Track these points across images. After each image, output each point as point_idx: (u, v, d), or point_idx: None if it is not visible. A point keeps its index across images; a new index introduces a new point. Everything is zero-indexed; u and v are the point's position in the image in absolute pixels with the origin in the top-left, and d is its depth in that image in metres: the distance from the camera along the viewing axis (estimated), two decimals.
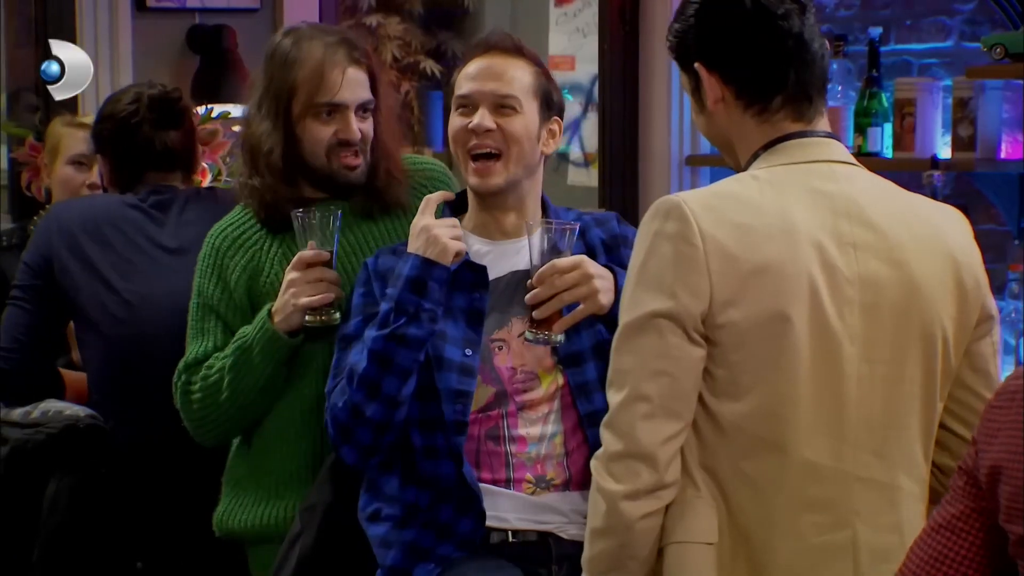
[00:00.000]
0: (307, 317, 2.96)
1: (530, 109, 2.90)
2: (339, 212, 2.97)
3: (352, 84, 3.05)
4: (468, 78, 2.91)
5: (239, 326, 3.05)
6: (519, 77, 2.90)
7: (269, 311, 2.99)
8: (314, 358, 3.04)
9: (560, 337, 2.79)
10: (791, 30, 2.35)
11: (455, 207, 2.99)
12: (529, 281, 2.79)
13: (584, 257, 2.79)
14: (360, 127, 3.06)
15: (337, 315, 2.97)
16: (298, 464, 3.06)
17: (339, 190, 3.09)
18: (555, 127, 2.95)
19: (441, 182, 3.19)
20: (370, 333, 2.82)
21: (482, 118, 2.88)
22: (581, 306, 2.77)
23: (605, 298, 2.78)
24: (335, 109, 3.04)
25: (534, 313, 2.77)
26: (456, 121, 2.91)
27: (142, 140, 3.52)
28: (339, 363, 2.90)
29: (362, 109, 3.07)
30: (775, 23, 2.35)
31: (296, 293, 2.95)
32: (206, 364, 3.05)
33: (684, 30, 2.41)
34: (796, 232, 2.28)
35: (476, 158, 2.89)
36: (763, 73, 2.36)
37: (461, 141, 2.90)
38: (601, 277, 2.78)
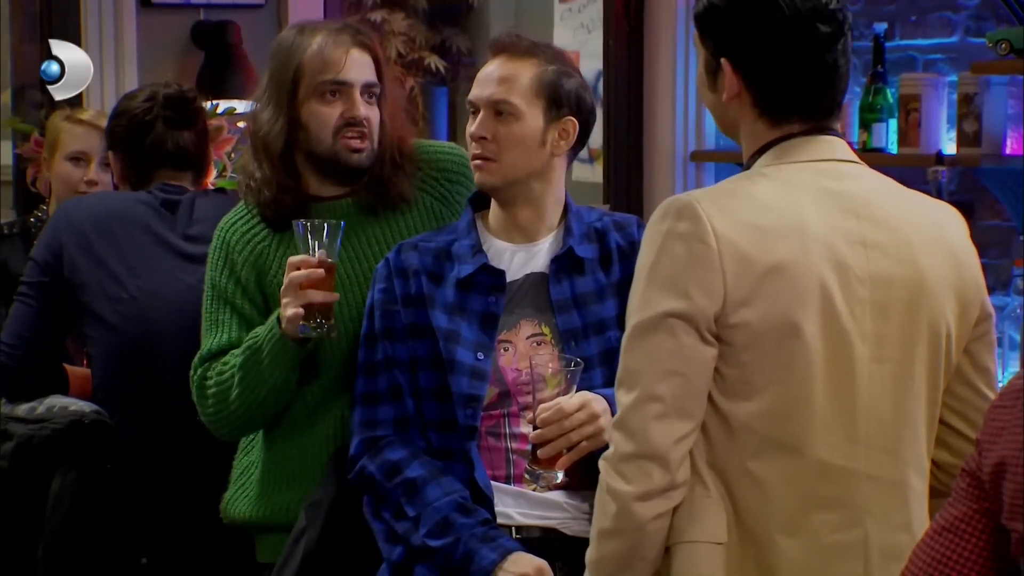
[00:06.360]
0: (301, 329, 2.87)
1: (532, 113, 2.88)
2: (342, 223, 2.90)
3: (357, 64, 3.04)
4: (475, 82, 2.93)
5: (253, 316, 3.03)
6: (520, 80, 2.88)
7: (279, 315, 2.94)
8: (326, 353, 3.03)
9: (561, 475, 2.73)
10: (826, 61, 2.31)
11: (477, 203, 3.00)
12: (530, 417, 2.73)
13: (589, 395, 2.73)
14: (366, 111, 3.03)
15: (325, 328, 2.87)
16: (307, 458, 3.05)
17: (344, 175, 3.05)
18: (568, 127, 2.91)
19: (456, 173, 3.15)
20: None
21: (478, 125, 2.89)
22: (584, 443, 2.70)
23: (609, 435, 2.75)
24: (340, 89, 3.02)
25: (539, 452, 2.71)
26: (469, 124, 2.94)
27: (156, 138, 3.52)
28: (366, 388, 2.90)
29: (368, 93, 3.05)
30: (815, 50, 2.30)
31: (285, 304, 2.89)
32: (222, 360, 3.02)
33: (716, 8, 2.33)
34: (808, 232, 2.26)
35: (476, 157, 2.91)
36: (790, 95, 2.33)
37: (469, 143, 2.93)
38: (606, 413, 2.70)
